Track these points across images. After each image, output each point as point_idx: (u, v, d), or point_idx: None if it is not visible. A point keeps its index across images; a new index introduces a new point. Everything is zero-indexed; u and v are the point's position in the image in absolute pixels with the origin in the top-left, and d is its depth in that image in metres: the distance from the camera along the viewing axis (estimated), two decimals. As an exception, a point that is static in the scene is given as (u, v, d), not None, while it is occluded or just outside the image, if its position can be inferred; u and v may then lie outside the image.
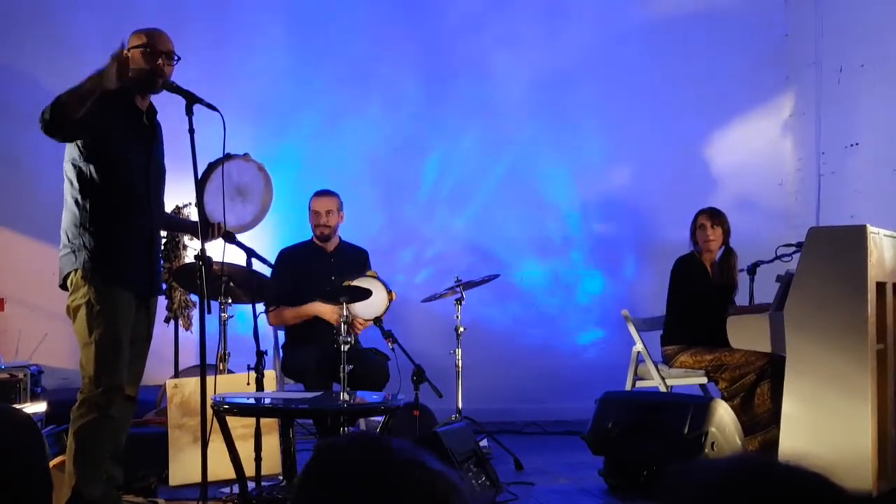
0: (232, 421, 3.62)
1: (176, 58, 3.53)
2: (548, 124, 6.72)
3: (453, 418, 4.91)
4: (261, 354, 3.93)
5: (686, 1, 6.82)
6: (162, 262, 4.95)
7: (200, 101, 3.36)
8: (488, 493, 3.90)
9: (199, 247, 3.33)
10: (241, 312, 4.62)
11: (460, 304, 5.04)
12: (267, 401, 3.77)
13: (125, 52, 3.20)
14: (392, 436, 3.82)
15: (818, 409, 3.82)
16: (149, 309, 3.64)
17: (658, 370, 4.88)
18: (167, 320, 5.46)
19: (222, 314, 4.25)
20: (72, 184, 3.43)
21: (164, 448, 4.23)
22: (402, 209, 6.73)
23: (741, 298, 5.20)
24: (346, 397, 3.72)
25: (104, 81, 3.11)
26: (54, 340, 5.55)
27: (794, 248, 4.80)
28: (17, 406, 4.38)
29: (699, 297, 4.92)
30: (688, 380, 4.84)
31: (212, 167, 3.62)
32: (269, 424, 4.23)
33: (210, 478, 3.31)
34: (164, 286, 5.10)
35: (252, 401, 3.76)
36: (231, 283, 4.19)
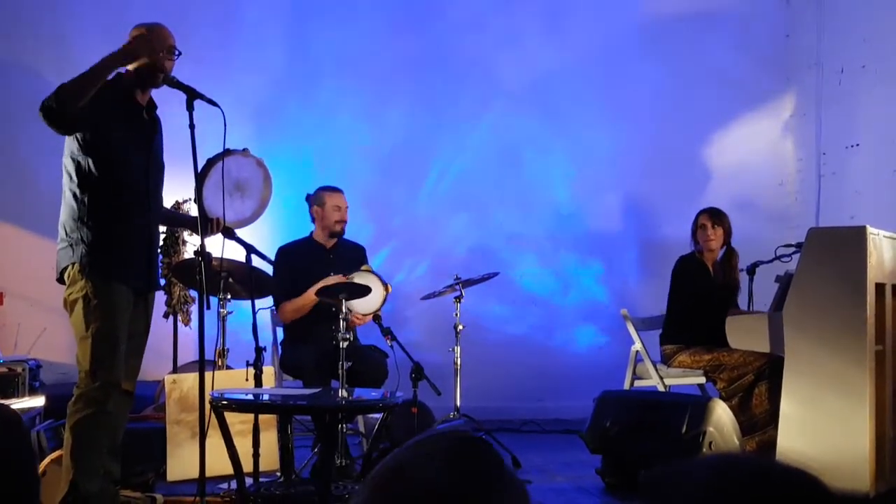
0: (230, 417, 3.61)
1: (177, 52, 3.53)
2: (548, 123, 6.72)
3: (451, 416, 4.92)
4: (259, 350, 3.92)
5: (687, 1, 6.82)
6: (161, 257, 4.96)
7: (201, 96, 3.36)
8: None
9: (199, 242, 3.33)
10: (240, 308, 4.62)
11: (459, 301, 5.04)
12: (265, 397, 3.77)
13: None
14: (390, 433, 3.81)
15: (816, 410, 3.83)
16: (147, 304, 3.64)
17: (656, 369, 4.88)
18: (166, 316, 5.46)
19: (221, 310, 4.25)
20: (70, 178, 3.43)
21: (161, 443, 4.23)
22: (402, 207, 6.73)
23: (741, 299, 5.19)
24: (345, 394, 3.71)
25: (122, 59, 3.17)
26: (53, 334, 5.55)
27: (793, 249, 4.79)
28: (16, 399, 4.39)
29: (700, 296, 4.92)
30: (686, 379, 4.84)
31: (211, 162, 3.62)
32: (268, 420, 4.24)
33: (208, 473, 3.31)
34: (164, 281, 5.11)
35: (250, 397, 3.76)
36: (230, 279, 4.19)
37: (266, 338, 4.61)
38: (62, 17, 6.28)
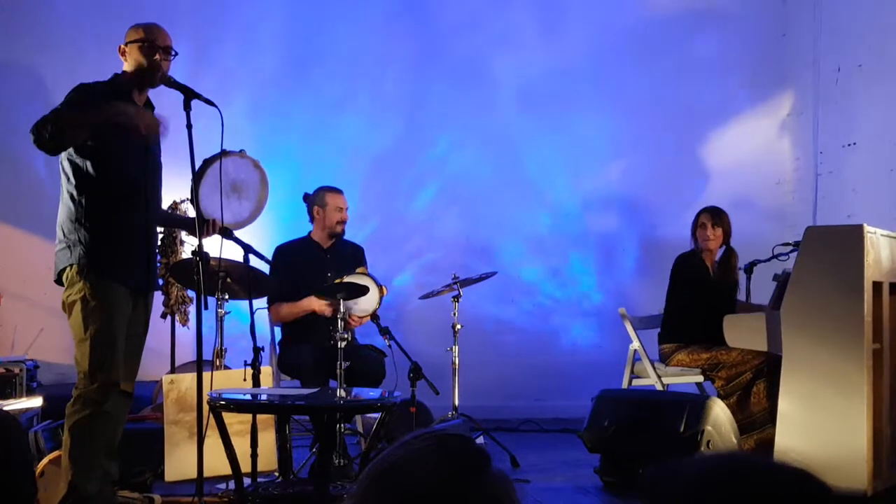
0: (228, 417, 3.61)
1: (173, 53, 3.53)
2: (546, 122, 6.73)
3: (450, 415, 4.91)
4: (257, 350, 3.92)
5: (684, 0, 6.82)
6: (159, 257, 4.96)
7: (198, 96, 3.35)
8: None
9: (196, 243, 3.33)
10: (238, 308, 4.62)
11: (457, 301, 5.04)
12: (263, 397, 3.77)
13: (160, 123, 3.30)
14: (388, 433, 3.81)
15: (814, 408, 3.83)
16: (146, 304, 3.64)
17: (655, 368, 4.88)
18: (164, 316, 5.46)
19: (219, 310, 4.25)
20: (68, 179, 3.43)
21: (159, 444, 4.23)
22: (400, 206, 6.73)
23: (738, 298, 5.19)
24: (343, 394, 3.71)
25: (122, 123, 3.22)
26: (50, 335, 5.54)
27: (791, 248, 4.80)
28: (14, 400, 4.39)
29: (700, 294, 4.92)
30: (684, 378, 4.85)
31: (207, 163, 3.62)
32: (266, 421, 4.23)
33: (206, 474, 3.31)
34: (161, 282, 5.10)
35: (248, 397, 3.75)
36: (228, 279, 4.19)
37: (264, 338, 4.61)
38: (60, 16, 6.27)
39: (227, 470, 3.65)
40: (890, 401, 4.00)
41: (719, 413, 4.12)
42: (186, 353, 5.54)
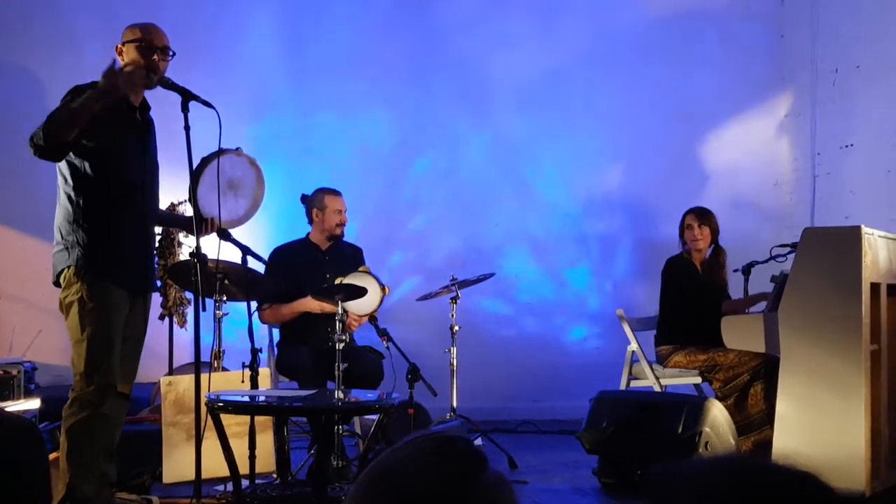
0: (226, 418, 3.61)
1: (171, 53, 3.52)
2: (543, 122, 6.73)
3: (448, 417, 4.91)
4: (255, 352, 3.92)
5: (682, 1, 6.83)
6: (157, 258, 4.95)
7: (196, 97, 3.35)
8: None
9: (194, 244, 3.33)
10: (237, 310, 4.61)
11: (455, 302, 5.03)
12: (261, 398, 3.77)
13: (116, 69, 3.20)
14: (386, 434, 3.80)
15: (812, 410, 3.83)
16: (145, 305, 3.64)
17: (652, 370, 4.88)
18: (161, 317, 5.45)
19: (217, 312, 4.24)
20: (66, 180, 3.42)
21: (157, 445, 4.22)
22: (398, 207, 6.72)
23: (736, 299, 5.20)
24: (341, 395, 3.71)
25: (101, 98, 3.14)
26: (48, 337, 5.54)
27: (788, 249, 4.80)
28: (11, 402, 4.38)
29: (691, 296, 4.93)
30: (682, 379, 4.85)
31: (205, 162, 3.61)
32: (264, 422, 4.23)
33: (204, 475, 3.30)
34: (159, 283, 5.10)
35: (246, 398, 3.75)
36: (226, 281, 4.18)
37: (262, 339, 4.60)
38: (59, 17, 6.26)
39: (226, 471, 3.64)
40: (888, 402, 4.01)
41: (717, 414, 4.12)
42: (184, 354, 5.54)
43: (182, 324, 5.55)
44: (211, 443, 3.60)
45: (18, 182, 6.01)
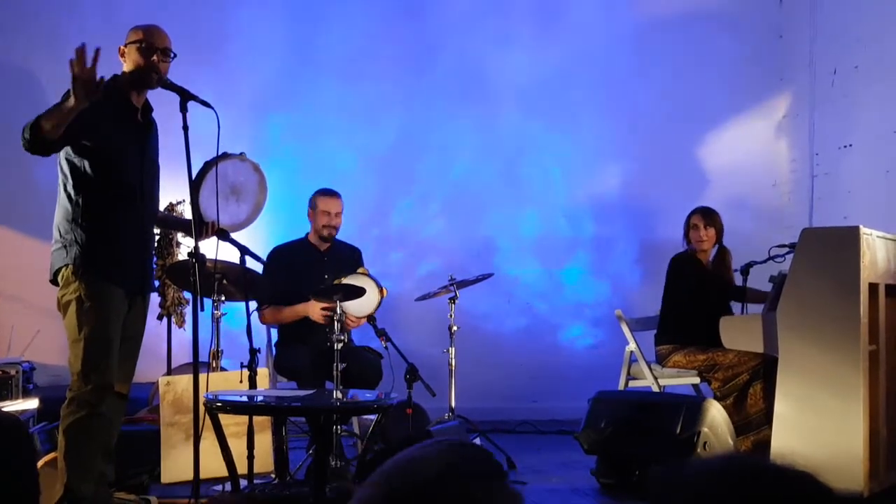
0: (224, 418, 3.61)
1: (172, 54, 3.53)
2: (542, 123, 6.73)
3: (446, 417, 4.91)
4: (254, 352, 3.92)
5: (681, 2, 6.83)
6: (155, 259, 4.95)
7: (194, 97, 3.35)
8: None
9: (193, 244, 3.33)
10: (235, 310, 4.61)
11: (454, 302, 5.03)
12: (260, 398, 3.77)
13: (79, 62, 3.13)
14: (384, 434, 3.80)
15: (810, 410, 3.83)
16: (143, 305, 3.63)
17: (651, 370, 4.88)
18: (160, 317, 5.45)
19: (215, 312, 4.24)
20: (66, 178, 3.42)
21: (156, 445, 4.22)
22: (397, 207, 6.73)
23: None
24: (339, 395, 3.71)
25: (75, 102, 3.08)
26: (47, 337, 5.53)
27: (787, 249, 4.80)
28: (9, 402, 4.37)
29: (697, 294, 4.92)
30: (680, 380, 4.85)
31: (208, 166, 3.60)
32: (262, 422, 4.23)
33: (202, 475, 3.30)
34: (157, 283, 5.10)
35: (245, 398, 3.75)
36: (224, 281, 4.18)
37: (260, 339, 4.60)
38: (58, 16, 6.26)
39: (224, 472, 3.64)
40: (886, 402, 4.01)
41: (716, 415, 4.13)
42: (183, 354, 5.54)
43: (180, 324, 5.54)
44: (209, 443, 3.60)
45: (17, 181, 6.00)
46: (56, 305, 3.47)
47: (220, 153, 3.51)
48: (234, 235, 3.91)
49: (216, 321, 4.25)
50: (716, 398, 4.49)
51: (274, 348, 4.97)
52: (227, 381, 4.15)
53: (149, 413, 4.71)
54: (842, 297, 3.78)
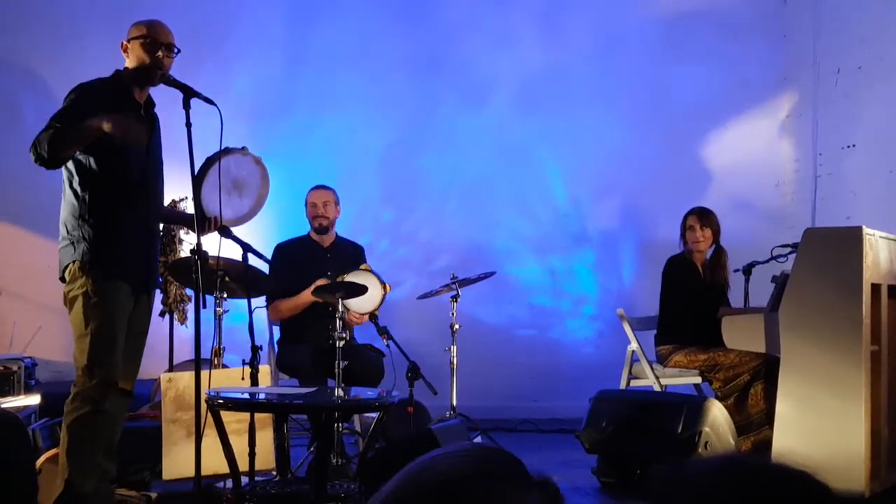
0: (226, 416, 3.61)
1: (176, 50, 3.52)
2: (544, 122, 6.73)
3: (448, 415, 4.91)
4: (256, 349, 3.92)
5: (684, 1, 6.82)
6: (158, 255, 4.96)
7: (198, 94, 3.35)
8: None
9: (195, 241, 3.33)
10: (237, 307, 4.61)
11: (456, 301, 5.03)
12: (261, 396, 3.77)
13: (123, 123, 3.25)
14: (386, 432, 3.80)
15: (812, 410, 3.83)
16: (148, 302, 3.64)
17: (652, 369, 4.88)
18: (162, 314, 5.45)
19: (218, 309, 4.24)
20: (72, 175, 3.42)
21: (157, 442, 4.22)
22: (398, 206, 6.73)
23: (736, 298, 5.20)
24: (341, 393, 3.71)
25: (103, 131, 3.21)
26: (49, 333, 5.54)
27: (789, 249, 4.79)
28: (11, 398, 4.38)
29: (692, 297, 4.93)
30: (682, 379, 4.84)
31: (210, 161, 3.60)
32: (264, 419, 4.23)
33: (203, 472, 3.31)
34: (160, 280, 5.11)
35: (246, 396, 3.75)
36: (227, 278, 4.19)
37: (262, 336, 4.61)
38: (60, 15, 6.27)
39: (225, 469, 3.64)
40: (888, 403, 4.00)
41: (717, 414, 4.12)
42: (185, 351, 5.54)
43: (182, 320, 5.55)
44: (211, 440, 3.60)
45: (20, 179, 6.00)
46: (61, 301, 3.47)
47: (222, 148, 3.51)
48: (235, 232, 3.91)
49: (218, 318, 4.26)
50: (717, 398, 4.49)
51: (276, 345, 4.97)
52: (229, 379, 4.15)
53: (150, 409, 4.71)
54: (844, 297, 3.77)
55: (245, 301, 3.97)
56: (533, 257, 6.75)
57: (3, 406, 4.25)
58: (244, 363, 3.96)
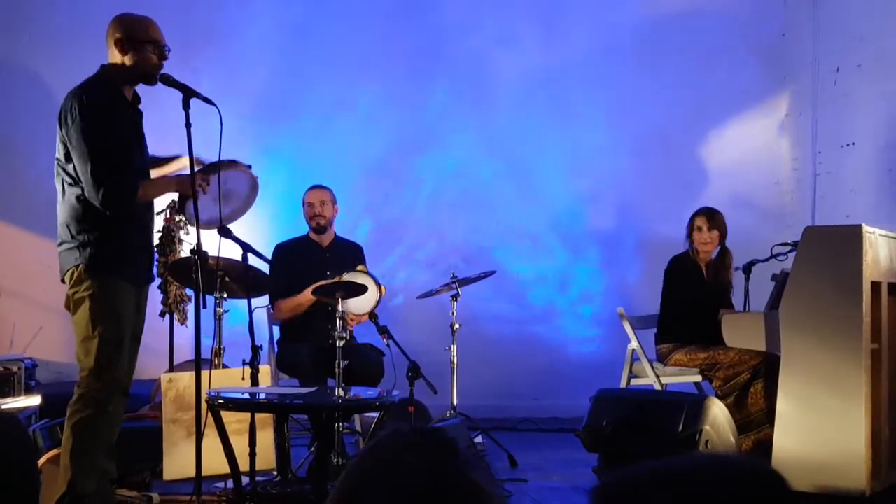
0: (226, 416, 3.61)
1: (166, 48, 3.50)
2: (544, 122, 6.72)
3: (448, 415, 4.91)
4: (256, 349, 3.92)
5: (683, 0, 6.82)
6: (157, 255, 4.96)
7: (197, 95, 3.35)
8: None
9: (195, 241, 3.33)
10: (237, 307, 4.61)
11: (456, 300, 5.04)
12: (262, 396, 3.77)
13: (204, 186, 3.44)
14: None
15: (812, 408, 3.83)
16: (142, 298, 3.63)
17: (653, 368, 4.88)
18: (162, 314, 5.45)
19: (218, 309, 4.24)
20: (73, 178, 3.39)
21: (158, 442, 4.22)
22: (399, 205, 6.72)
23: (736, 298, 5.20)
24: (341, 393, 3.71)
25: (172, 190, 3.49)
26: (49, 333, 5.54)
27: (789, 248, 4.79)
28: (12, 398, 4.38)
29: (693, 296, 4.92)
30: (682, 378, 4.84)
31: (217, 167, 3.57)
32: (264, 419, 4.23)
33: (204, 472, 3.31)
34: (160, 280, 5.12)
35: (247, 396, 3.76)
36: (227, 278, 4.19)
37: (263, 336, 4.61)
38: (59, 15, 6.26)
39: (226, 469, 3.65)
40: (888, 401, 4.01)
41: (717, 413, 4.12)
42: (185, 351, 5.54)
43: (182, 321, 5.55)
44: (211, 440, 3.60)
45: (19, 179, 6.01)
46: (63, 303, 3.46)
47: (230, 159, 3.52)
48: (236, 232, 3.91)
49: (218, 318, 4.26)
50: (717, 396, 4.49)
51: (276, 345, 4.97)
52: (230, 379, 4.15)
53: (151, 410, 4.71)
54: (844, 295, 3.78)
55: (245, 301, 3.97)
56: (533, 256, 6.75)
57: (4, 407, 4.25)
58: (244, 363, 3.96)
